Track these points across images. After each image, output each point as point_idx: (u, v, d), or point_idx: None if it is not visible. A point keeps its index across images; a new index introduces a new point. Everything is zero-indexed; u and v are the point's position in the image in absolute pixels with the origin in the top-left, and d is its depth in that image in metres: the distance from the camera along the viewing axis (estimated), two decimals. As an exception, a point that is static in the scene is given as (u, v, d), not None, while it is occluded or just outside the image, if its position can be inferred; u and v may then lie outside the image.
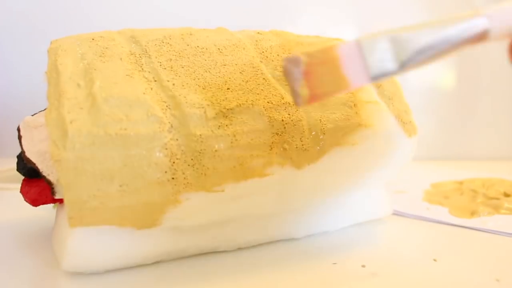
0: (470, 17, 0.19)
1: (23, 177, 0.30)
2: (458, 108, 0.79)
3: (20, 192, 0.29)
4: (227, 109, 0.26)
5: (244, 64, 0.29)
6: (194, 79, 0.26)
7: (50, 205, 0.31)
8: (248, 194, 0.27)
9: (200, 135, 0.24)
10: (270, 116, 0.27)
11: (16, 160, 0.30)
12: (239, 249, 0.31)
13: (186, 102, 0.25)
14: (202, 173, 0.25)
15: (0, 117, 0.63)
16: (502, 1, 0.20)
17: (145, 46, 0.27)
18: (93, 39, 0.27)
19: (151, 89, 0.25)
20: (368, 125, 0.30)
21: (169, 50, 0.27)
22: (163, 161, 0.24)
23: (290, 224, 0.32)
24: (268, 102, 0.27)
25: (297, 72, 0.21)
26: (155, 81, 0.26)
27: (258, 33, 0.32)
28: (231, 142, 0.25)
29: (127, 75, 0.25)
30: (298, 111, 0.28)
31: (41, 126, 0.28)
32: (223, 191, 0.25)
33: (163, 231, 0.27)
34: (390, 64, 0.19)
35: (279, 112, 0.27)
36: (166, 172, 0.24)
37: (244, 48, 0.30)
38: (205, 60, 0.28)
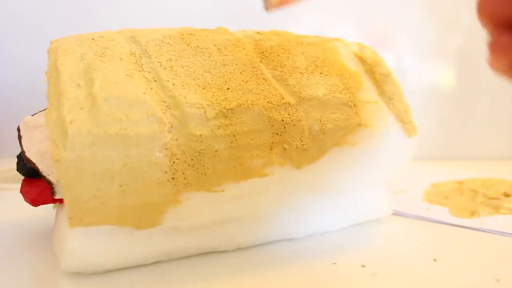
0: None
1: (23, 177, 0.30)
2: (458, 108, 0.79)
3: (20, 192, 0.29)
4: (227, 109, 0.26)
5: (244, 64, 0.29)
6: (194, 79, 0.26)
7: (50, 205, 0.31)
8: (248, 194, 0.27)
9: (200, 135, 0.24)
10: (270, 116, 0.27)
11: (16, 160, 0.30)
12: (239, 249, 0.31)
13: (186, 102, 0.25)
14: (202, 173, 0.25)
15: (0, 117, 0.63)
16: None
17: (145, 46, 0.27)
18: (93, 39, 0.27)
19: (151, 89, 0.25)
20: (368, 125, 0.30)
21: (169, 50, 0.27)
22: (163, 161, 0.24)
23: (290, 224, 0.32)
24: (268, 102, 0.27)
25: None
26: (155, 81, 0.26)
27: (258, 33, 0.32)
28: (231, 142, 0.25)
29: (127, 75, 0.25)
30: (298, 111, 0.28)
31: (41, 126, 0.28)
32: (223, 191, 0.25)
33: (163, 231, 0.27)
34: None
35: (279, 112, 0.27)
36: (166, 172, 0.24)
37: (244, 48, 0.30)
38: (205, 60, 0.28)
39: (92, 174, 0.22)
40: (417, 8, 0.73)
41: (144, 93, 0.24)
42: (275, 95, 0.28)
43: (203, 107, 0.25)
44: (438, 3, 0.74)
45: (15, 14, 0.63)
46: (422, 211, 0.41)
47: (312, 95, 0.29)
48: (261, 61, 0.29)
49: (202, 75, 0.27)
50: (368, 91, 0.31)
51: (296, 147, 0.27)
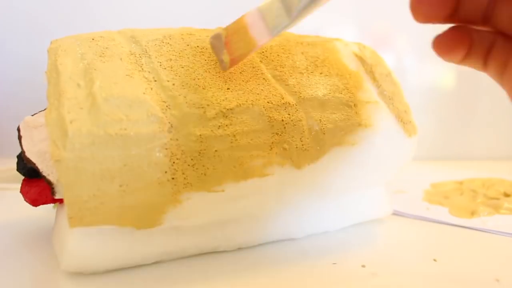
0: None
1: (23, 177, 0.30)
2: (458, 108, 0.79)
3: (20, 192, 0.29)
4: (227, 109, 0.26)
5: (244, 64, 0.29)
6: (194, 79, 0.26)
7: (50, 205, 0.31)
8: (248, 194, 0.27)
9: (200, 135, 0.24)
10: (270, 116, 0.27)
11: (16, 160, 0.30)
12: (239, 249, 0.31)
13: (186, 102, 0.25)
14: (202, 173, 0.25)
15: (0, 117, 0.63)
16: None
17: (145, 46, 0.27)
18: (93, 39, 0.27)
19: (151, 89, 0.25)
20: (368, 125, 0.30)
21: (169, 50, 0.27)
22: (163, 161, 0.24)
23: (290, 224, 0.32)
24: (268, 102, 0.27)
25: (220, 44, 0.26)
26: (155, 81, 0.26)
27: (258, 33, 0.32)
28: (231, 142, 0.25)
29: (127, 75, 0.25)
30: (298, 111, 0.28)
31: (41, 126, 0.28)
32: (223, 191, 0.25)
33: (163, 231, 0.27)
34: (284, 19, 0.23)
35: (279, 112, 0.27)
36: (166, 172, 0.24)
37: (244, 48, 0.30)
38: (205, 60, 0.28)
39: (92, 174, 0.22)
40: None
41: (144, 93, 0.24)
42: (275, 95, 0.28)
43: (203, 107, 0.25)
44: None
45: (15, 14, 0.63)
46: (422, 211, 0.41)
47: (312, 95, 0.29)
48: (261, 61, 0.29)
49: (202, 75, 0.27)
50: (368, 91, 0.31)
51: (296, 147, 0.27)
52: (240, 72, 0.28)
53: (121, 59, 0.26)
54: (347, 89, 0.30)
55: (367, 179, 0.34)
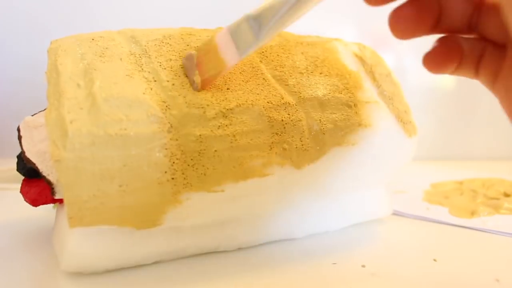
0: None
1: (23, 177, 0.30)
2: (458, 108, 0.79)
3: (20, 192, 0.29)
4: (227, 109, 0.26)
5: (244, 64, 0.29)
6: (194, 79, 0.26)
7: (50, 205, 0.31)
8: (248, 194, 0.27)
9: (200, 135, 0.24)
10: (270, 116, 0.27)
11: (16, 160, 0.30)
12: (239, 249, 0.31)
13: (186, 102, 0.25)
14: (202, 173, 0.25)
15: (0, 117, 0.63)
16: None
17: (145, 46, 0.27)
18: (93, 39, 0.27)
19: (151, 89, 0.25)
20: (368, 125, 0.30)
21: (169, 50, 0.27)
22: (163, 161, 0.24)
23: (290, 224, 0.32)
24: (268, 102, 0.27)
25: (191, 65, 0.26)
26: (155, 81, 0.26)
27: (258, 33, 0.32)
28: (231, 142, 0.25)
29: (127, 75, 0.25)
30: (298, 111, 0.28)
31: (41, 126, 0.28)
32: (223, 191, 0.25)
33: (163, 231, 0.27)
34: (251, 39, 0.23)
35: (279, 112, 0.27)
36: (166, 172, 0.24)
37: (244, 48, 0.30)
38: (205, 60, 0.28)
39: (92, 174, 0.22)
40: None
41: (144, 93, 0.24)
42: (275, 95, 0.28)
43: (202, 107, 0.25)
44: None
45: (15, 13, 0.63)
46: (422, 211, 0.41)
47: (312, 95, 0.29)
48: (261, 61, 0.29)
49: (202, 75, 0.27)
50: (368, 91, 0.31)
51: (296, 147, 0.27)
52: (240, 72, 0.28)
53: (121, 59, 0.26)
54: (347, 89, 0.30)
55: (367, 179, 0.34)
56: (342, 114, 0.29)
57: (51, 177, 0.26)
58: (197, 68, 0.26)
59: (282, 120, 0.27)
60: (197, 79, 0.25)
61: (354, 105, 0.30)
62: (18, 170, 0.29)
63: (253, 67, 0.29)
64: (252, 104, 0.26)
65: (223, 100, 0.26)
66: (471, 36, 0.22)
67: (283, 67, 0.29)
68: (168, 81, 0.26)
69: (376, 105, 0.31)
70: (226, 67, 0.25)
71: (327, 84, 0.30)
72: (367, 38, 0.74)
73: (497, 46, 0.21)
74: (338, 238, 0.33)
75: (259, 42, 0.23)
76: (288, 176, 0.27)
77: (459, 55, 0.22)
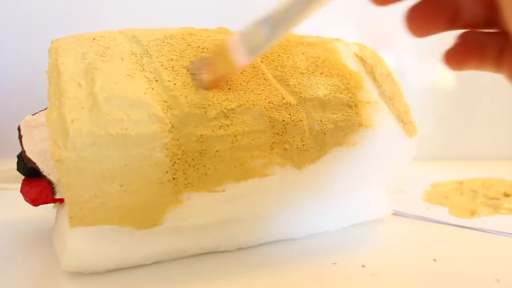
0: None
1: (23, 177, 0.30)
2: (458, 108, 0.79)
3: (20, 192, 0.29)
4: (228, 109, 0.26)
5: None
6: (194, 79, 0.26)
7: (50, 205, 0.31)
8: (248, 194, 0.27)
9: (201, 135, 0.24)
10: (271, 117, 0.27)
11: (16, 160, 0.30)
12: (239, 249, 0.31)
13: (187, 102, 0.25)
14: (203, 173, 0.25)
15: (0, 117, 0.63)
16: None
17: (146, 46, 0.27)
18: (94, 38, 0.27)
19: (152, 89, 0.25)
20: (368, 125, 0.30)
21: (170, 50, 0.27)
22: (164, 161, 0.24)
23: (290, 224, 0.32)
24: (269, 103, 0.27)
25: (201, 64, 0.26)
26: (156, 81, 0.26)
27: (259, 33, 0.32)
28: (232, 143, 0.25)
29: (128, 75, 0.25)
30: (299, 112, 0.28)
31: (41, 125, 0.28)
32: (223, 191, 0.25)
33: (164, 231, 0.27)
34: (262, 39, 0.24)
35: (280, 112, 0.27)
36: (167, 172, 0.24)
37: (244, 48, 0.30)
38: (206, 60, 0.28)
39: (92, 173, 0.22)
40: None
41: (145, 93, 0.24)
42: (276, 96, 0.28)
43: (204, 107, 0.25)
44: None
45: (15, 13, 0.63)
46: (422, 211, 0.41)
47: (312, 95, 0.29)
48: (262, 61, 0.29)
49: (202, 75, 0.27)
50: (368, 92, 0.31)
51: (297, 147, 0.27)
52: (241, 73, 0.28)
53: (122, 59, 0.26)
54: (348, 89, 0.30)
55: (368, 179, 0.34)
56: (343, 114, 0.29)
57: (51, 177, 0.26)
58: (207, 68, 0.26)
59: (283, 120, 0.27)
60: (206, 77, 0.26)
61: (355, 105, 0.30)
62: (18, 169, 0.29)
63: (254, 67, 0.29)
64: (253, 104, 0.26)
65: (224, 100, 0.26)
66: (491, 30, 0.22)
67: (284, 67, 0.29)
68: (169, 81, 0.26)
69: (376, 105, 0.31)
70: (235, 68, 0.26)
71: (328, 85, 0.30)
72: (367, 39, 0.74)
73: None
74: (338, 238, 0.33)
75: (269, 43, 0.24)
76: (289, 176, 0.27)
77: (480, 51, 0.22)
